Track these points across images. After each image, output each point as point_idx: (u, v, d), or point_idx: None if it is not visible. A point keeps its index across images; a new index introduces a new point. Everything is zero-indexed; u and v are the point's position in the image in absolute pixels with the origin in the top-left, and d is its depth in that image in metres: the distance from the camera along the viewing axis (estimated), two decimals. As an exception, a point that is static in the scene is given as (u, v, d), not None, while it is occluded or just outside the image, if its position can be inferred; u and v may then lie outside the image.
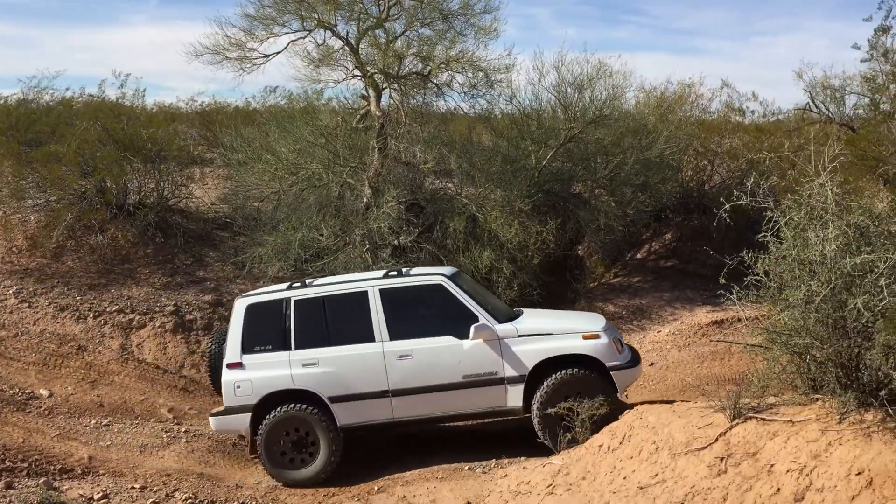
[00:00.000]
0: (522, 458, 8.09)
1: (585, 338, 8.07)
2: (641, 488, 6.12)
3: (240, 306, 8.44)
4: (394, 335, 8.18)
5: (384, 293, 8.30)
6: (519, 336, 8.08)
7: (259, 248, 12.00)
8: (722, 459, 5.74)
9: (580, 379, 7.81)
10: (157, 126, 15.00)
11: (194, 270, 12.78)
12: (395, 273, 8.61)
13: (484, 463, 8.18)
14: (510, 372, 8.04)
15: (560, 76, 13.56)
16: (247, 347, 8.28)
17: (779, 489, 4.99)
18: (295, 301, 8.35)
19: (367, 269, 11.58)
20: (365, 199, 12.47)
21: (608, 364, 7.92)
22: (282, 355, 8.21)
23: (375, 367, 8.13)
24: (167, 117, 18.10)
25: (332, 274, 11.54)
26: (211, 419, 8.43)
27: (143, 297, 11.95)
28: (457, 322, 8.12)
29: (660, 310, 12.75)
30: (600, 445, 7.10)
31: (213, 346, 8.84)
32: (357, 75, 13.72)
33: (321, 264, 11.81)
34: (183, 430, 9.33)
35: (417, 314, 8.48)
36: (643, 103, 15.00)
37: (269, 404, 8.16)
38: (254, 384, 8.15)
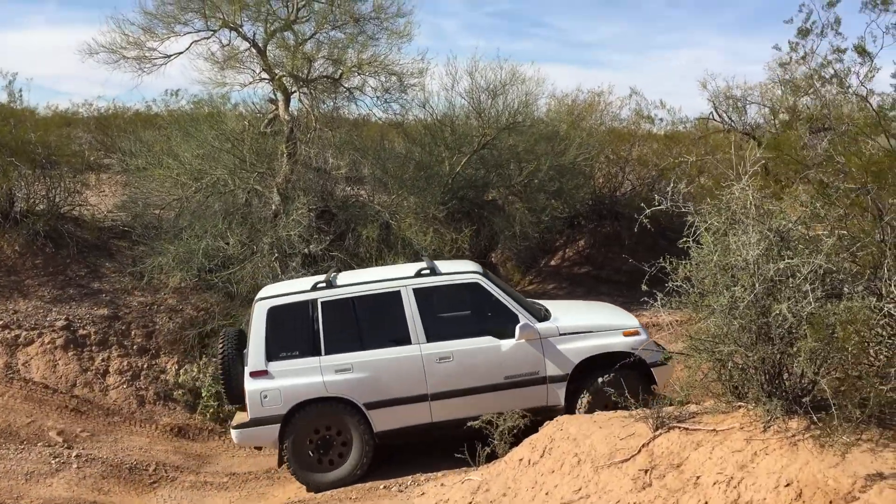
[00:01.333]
0: (441, 474, 7.79)
1: (626, 334, 7.93)
2: (565, 504, 5.91)
3: (260, 309, 7.88)
4: (431, 336, 7.89)
5: (418, 292, 7.96)
6: (560, 335, 7.90)
7: (160, 257, 11.32)
8: (646, 472, 5.57)
9: (625, 377, 7.30)
10: (49, 130, 14.05)
11: (88, 282, 11.95)
12: (427, 271, 8.14)
13: (400, 480, 7.83)
14: (553, 371, 7.86)
15: (473, 82, 13.41)
16: (272, 354, 7.77)
17: (707, 503, 4.83)
18: (323, 303, 7.88)
19: (275, 279, 11.09)
20: (273, 207, 11.95)
21: (649, 361, 7.71)
22: (311, 361, 7.77)
23: (414, 371, 7.82)
24: (62, 121, 17.09)
25: (240, 283, 11.04)
26: (234, 432, 7.90)
27: (30, 311, 11.06)
28: (495, 321, 7.93)
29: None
30: (521, 459, 6.85)
31: (226, 351, 8.11)
32: (265, 78, 13.19)
33: (227, 274, 11.22)
34: (74, 454, 8.62)
35: (454, 314, 8.22)
36: (555, 110, 15.03)
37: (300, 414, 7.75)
38: (283, 393, 7.68)
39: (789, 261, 4.92)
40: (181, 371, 10.68)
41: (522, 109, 13.44)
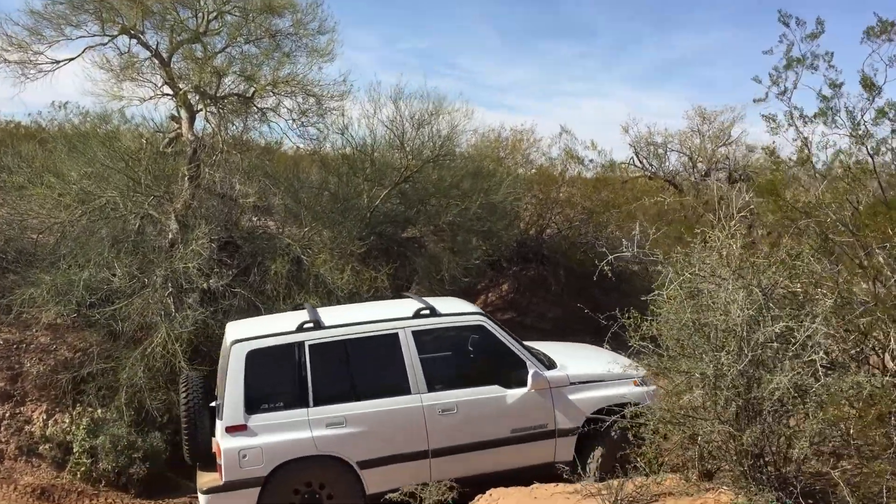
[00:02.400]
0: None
1: (636, 384, 7.27)
2: None
3: (238, 353, 6.83)
4: (432, 385, 7.09)
5: (418, 335, 7.16)
6: (571, 384, 7.26)
7: (32, 288, 9.82)
8: (606, 572, 4.68)
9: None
10: None
11: (-56, 315, 10.31)
12: (426, 311, 7.33)
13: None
14: (563, 424, 7.16)
15: (398, 110, 12.53)
16: (252, 405, 6.76)
17: None
18: (311, 346, 6.95)
19: (168, 316, 9.78)
20: (170, 235, 10.65)
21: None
22: (298, 413, 6.79)
23: (414, 424, 6.97)
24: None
25: (126, 320, 9.70)
26: (203, 498, 6.75)
27: None
28: (502, 368, 7.25)
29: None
30: (449, 542, 5.87)
31: (191, 400, 7.08)
32: (167, 93, 11.93)
33: (111, 310, 9.83)
34: None
35: (456, 360, 7.56)
36: (482, 145, 14.29)
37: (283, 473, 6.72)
38: (265, 452, 6.64)
39: (787, 323, 4.15)
40: (50, 422, 9.18)
41: (449, 142, 12.62)
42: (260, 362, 6.85)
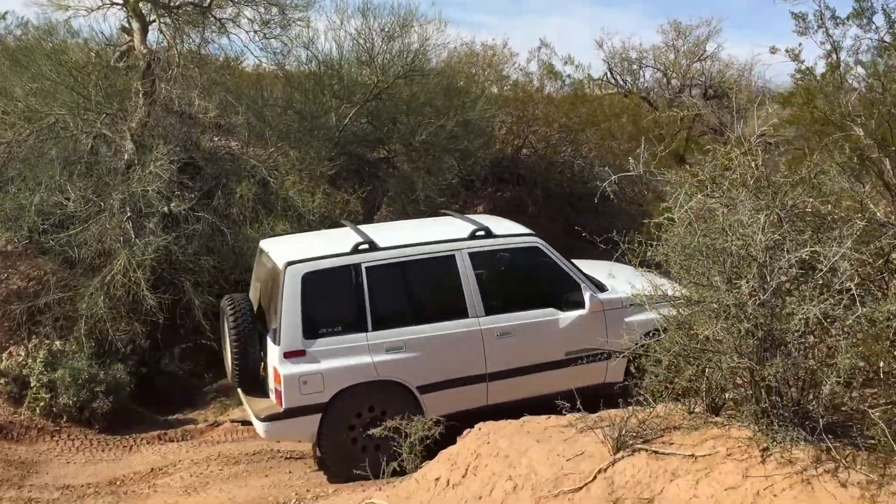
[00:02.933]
0: (332, 490, 6.43)
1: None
2: (503, 550, 4.68)
3: (294, 275, 6.51)
4: (489, 309, 6.90)
5: (475, 257, 6.92)
6: (623, 306, 6.97)
7: (-22, 213, 9.17)
8: (609, 508, 4.41)
9: None
10: None
11: None
12: (482, 232, 7.04)
13: (282, 497, 6.41)
14: (614, 345, 6.37)
15: (366, 21, 11.78)
16: (310, 330, 6.51)
17: (705, 566, 3.70)
18: (367, 268, 6.66)
19: (127, 242, 9.22)
20: (126, 156, 9.98)
21: None
22: (357, 338, 6.59)
23: (473, 348, 6.82)
24: None
25: (83, 247, 9.12)
26: (262, 425, 6.56)
27: None
28: (557, 291, 7.06)
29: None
30: (437, 479, 5.51)
31: (242, 324, 6.76)
32: (117, 2, 11.06)
33: (66, 236, 9.24)
34: None
35: (512, 282, 7.28)
36: (454, 61, 13.60)
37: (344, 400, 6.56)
38: (326, 378, 6.47)
39: (813, 248, 3.78)
40: (4, 355, 8.68)
41: (421, 56, 11.95)
42: (316, 285, 6.55)
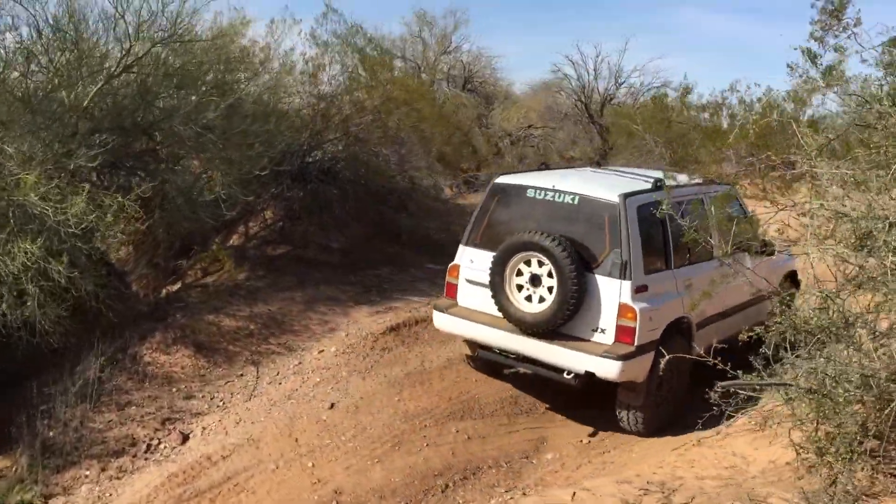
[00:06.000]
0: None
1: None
2: None
3: (631, 207, 6.37)
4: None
5: (713, 202, 6.94)
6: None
7: None
8: None
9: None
10: None
11: None
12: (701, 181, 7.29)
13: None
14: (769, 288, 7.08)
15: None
16: (646, 265, 6.39)
17: None
18: (675, 204, 6.04)
19: None
20: None
21: None
22: (667, 276, 6.64)
23: (723, 289, 6.41)
24: None
25: None
26: (611, 364, 6.13)
27: None
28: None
29: (302, 319, 8.75)
30: None
31: (576, 264, 6.27)
32: None
33: None
34: None
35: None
36: (228, 28, 10.62)
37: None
38: (659, 314, 6.40)
39: None
40: None
41: (190, 15, 8.93)
42: (643, 217, 6.47)
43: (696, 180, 7.18)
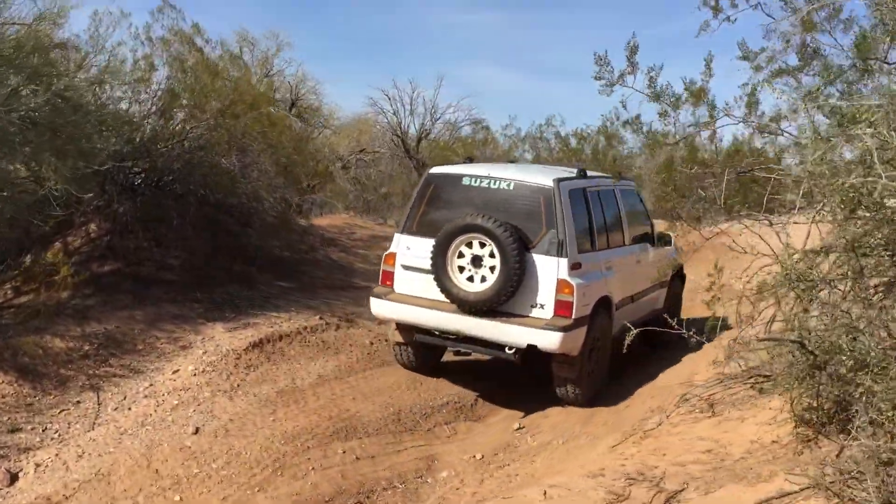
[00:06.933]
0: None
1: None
2: None
3: (565, 191, 6.86)
4: (632, 240, 8.14)
5: (623, 194, 8.17)
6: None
7: None
8: None
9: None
10: None
11: None
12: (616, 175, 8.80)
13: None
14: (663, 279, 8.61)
15: None
16: (578, 245, 6.84)
17: None
18: (590, 192, 7.35)
19: None
20: None
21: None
22: (593, 257, 7.13)
23: (634, 272, 7.91)
24: None
25: None
26: (555, 336, 6.50)
27: None
28: (645, 228, 8.61)
29: (146, 338, 7.62)
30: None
31: (519, 245, 6.61)
32: None
33: None
34: None
35: (634, 220, 8.45)
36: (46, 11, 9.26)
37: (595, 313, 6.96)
38: (590, 291, 6.84)
39: None
40: None
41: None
42: (573, 202, 6.92)
43: (607, 175, 8.15)
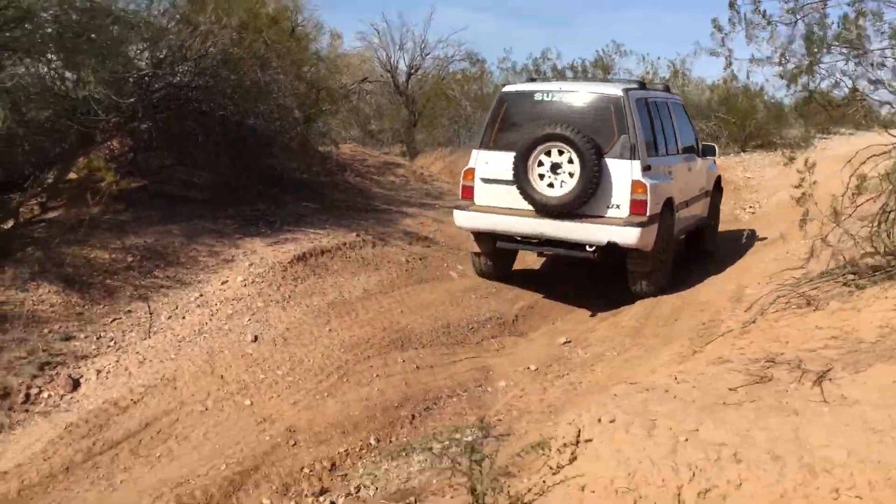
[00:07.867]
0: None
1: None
2: None
3: (634, 100, 7.39)
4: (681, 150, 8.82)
5: (676, 108, 9.14)
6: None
7: None
8: None
9: None
10: None
11: None
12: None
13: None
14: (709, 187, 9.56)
15: None
16: (647, 149, 7.40)
17: None
18: (650, 102, 7.92)
19: None
20: None
21: None
22: (659, 161, 7.67)
23: (687, 179, 8.62)
24: None
25: None
26: (631, 231, 7.08)
27: None
28: (693, 140, 9.19)
29: (187, 251, 7.47)
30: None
31: (588, 143, 7.08)
32: None
33: None
34: None
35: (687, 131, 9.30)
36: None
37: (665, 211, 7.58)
38: (660, 190, 7.41)
39: None
40: None
41: None
42: (641, 111, 7.44)
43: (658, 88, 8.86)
